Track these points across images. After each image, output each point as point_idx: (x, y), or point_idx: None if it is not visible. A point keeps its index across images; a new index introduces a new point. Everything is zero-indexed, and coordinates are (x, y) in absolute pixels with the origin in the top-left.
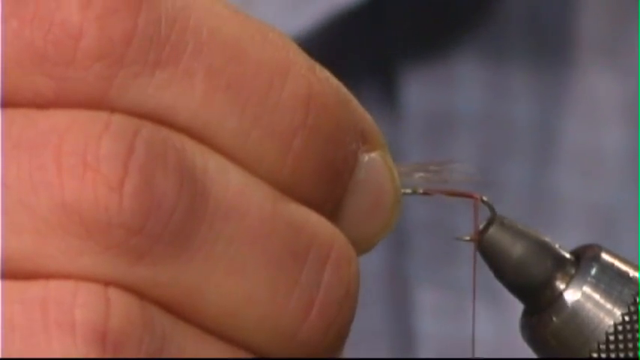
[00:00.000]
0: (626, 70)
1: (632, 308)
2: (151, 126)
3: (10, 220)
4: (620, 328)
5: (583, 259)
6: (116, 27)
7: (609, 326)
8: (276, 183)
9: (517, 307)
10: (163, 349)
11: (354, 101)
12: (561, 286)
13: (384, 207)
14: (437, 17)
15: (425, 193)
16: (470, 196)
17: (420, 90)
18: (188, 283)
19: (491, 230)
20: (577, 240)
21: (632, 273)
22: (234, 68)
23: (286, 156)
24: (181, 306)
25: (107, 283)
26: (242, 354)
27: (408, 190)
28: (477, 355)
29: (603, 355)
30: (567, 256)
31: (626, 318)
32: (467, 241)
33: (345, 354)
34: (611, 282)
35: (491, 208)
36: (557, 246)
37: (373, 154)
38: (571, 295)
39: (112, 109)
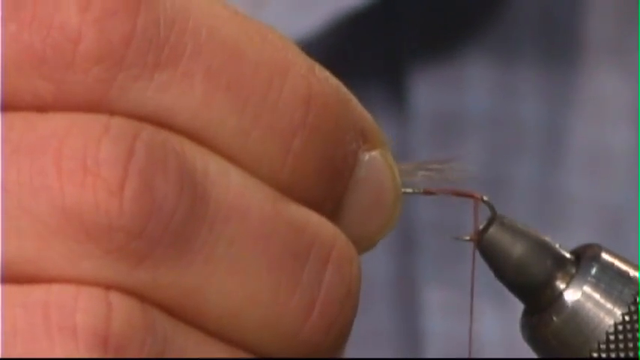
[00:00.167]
0: (634, 70)
1: (633, 308)
2: (150, 129)
3: (10, 225)
4: (620, 327)
5: (583, 259)
6: (115, 29)
7: (609, 326)
8: (277, 183)
9: (522, 306)
10: (165, 351)
11: (353, 100)
12: (561, 285)
13: (385, 205)
14: (445, 18)
15: (426, 193)
16: (470, 196)
17: (429, 90)
18: (189, 285)
19: (492, 230)
20: (585, 239)
21: (632, 273)
22: (233, 69)
23: (286, 156)
24: (183, 308)
25: (108, 287)
26: (244, 355)
27: (409, 190)
28: (484, 355)
29: (603, 355)
30: (567, 255)
31: (627, 318)
32: (467, 240)
33: (353, 354)
34: (612, 282)
35: (492, 208)
36: (557, 245)
37: (373, 153)
38: (571, 295)
39: (112, 112)
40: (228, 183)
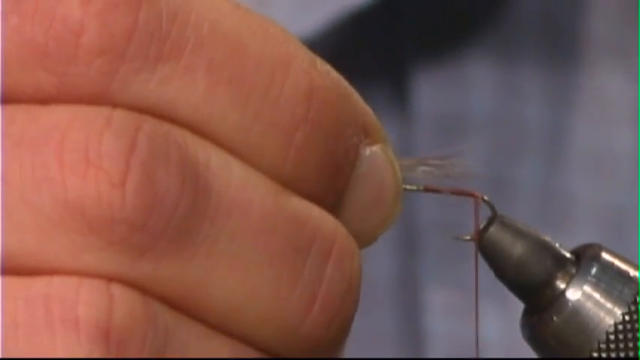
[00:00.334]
0: (636, 71)
1: (633, 308)
2: (152, 121)
3: (12, 218)
4: (620, 327)
5: (583, 259)
6: (117, 22)
7: (610, 325)
8: (278, 177)
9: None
10: (167, 345)
11: (355, 95)
12: (562, 285)
13: (386, 200)
14: (449, 18)
15: (427, 190)
16: (471, 195)
17: (431, 91)
18: (191, 278)
19: (492, 229)
20: (587, 240)
21: (632, 272)
22: (235, 63)
23: (288, 150)
24: (184, 301)
25: (110, 280)
26: (245, 349)
27: (410, 187)
28: (486, 355)
29: (604, 355)
30: (568, 255)
31: (627, 317)
32: (467, 240)
33: (355, 354)
34: (612, 281)
35: (492, 207)
36: (557, 245)
37: (374, 148)
38: (571, 295)
39: (114, 105)
40: (230, 176)
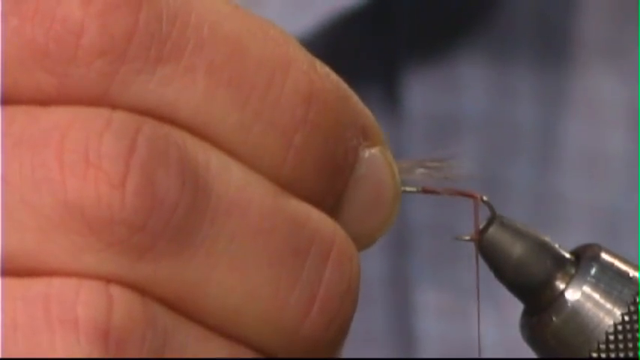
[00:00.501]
0: (629, 72)
1: (632, 308)
2: (152, 122)
3: (12, 218)
4: (620, 327)
5: (583, 259)
6: (117, 23)
7: (609, 326)
8: (277, 179)
9: (519, 308)
10: (166, 345)
11: (354, 97)
12: (561, 285)
13: (385, 202)
14: (440, 19)
15: (425, 192)
16: (470, 196)
17: (423, 92)
18: (190, 279)
19: (491, 230)
20: (580, 241)
21: (632, 273)
22: (235, 64)
23: (287, 152)
24: (183, 302)
25: (109, 281)
26: (244, 350)
27: (409, 188)
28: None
29: (603, 355)
30: (567, 255)
31: (626, 318)
32: (467, 240)
33: (347, 353)
34: (611, 282)
35: (492, 208)
36: (557, 245)
37: (374, 150)
38: (571, 295)
39: (114, 106)
40: (230, 177)
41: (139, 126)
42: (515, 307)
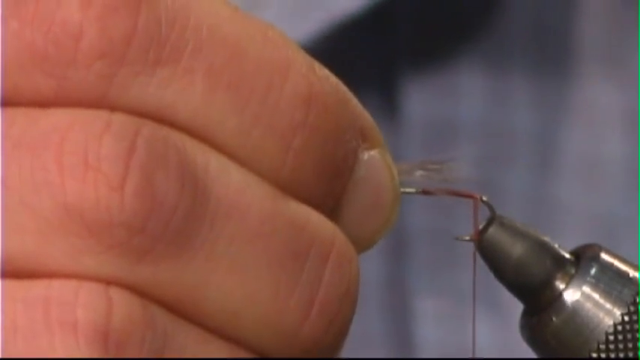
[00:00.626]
0: (626, 79)
1: (632, 308)
2: (151, 125)
3: (11, 221)
4: (619, 328)
5: (583, 259)
6: (116, 26)
7: (609, 326)
8: (277, 181)
9: (516, 312)
10: (165, 348)
11: (353, 100)
12: (561, 285)
13: (384, 205)
14: (439, 26)
15: (424, 193)
16: (470, 196)
17: (422, 98)
18: (189, 282)
19: (491, 230)
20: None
21: (631, 273)
22: (234, 67)
23: (286, 154)
24: (183, 305)
25: (109, 283)
26: (243, 353)
27: (408, 190)
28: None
29: (603, 355)
30: (567, 255)
31: (626, 318)
32: (467, 240)
33: (344, 356)
34: (611, 282)
35: (491, 208)
36: (556, 246)
37: (373, 152)
38: (571, 295)
39: (113, 108)
40: (229, 180)
41: (138, 128)
42: (515, 313)
